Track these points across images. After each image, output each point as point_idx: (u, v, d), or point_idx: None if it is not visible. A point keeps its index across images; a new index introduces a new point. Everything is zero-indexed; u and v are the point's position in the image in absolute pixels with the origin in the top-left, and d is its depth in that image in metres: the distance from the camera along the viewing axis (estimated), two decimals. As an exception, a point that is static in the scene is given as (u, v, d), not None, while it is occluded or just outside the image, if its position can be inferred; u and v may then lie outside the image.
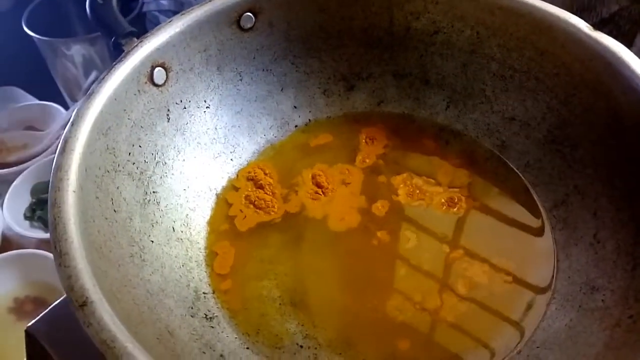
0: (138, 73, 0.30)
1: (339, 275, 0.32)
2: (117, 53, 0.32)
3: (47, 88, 0.68)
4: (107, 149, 0.29)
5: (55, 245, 0.23)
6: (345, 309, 0.30)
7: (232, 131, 0.37)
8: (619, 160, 0.30)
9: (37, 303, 0.51)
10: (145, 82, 0.31)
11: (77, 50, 0.61)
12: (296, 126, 0.39)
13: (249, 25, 0.35)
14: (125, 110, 0.30)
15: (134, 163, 0.30)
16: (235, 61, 0.36)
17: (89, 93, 0.28)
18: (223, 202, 0.35)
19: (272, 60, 0.37)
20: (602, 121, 0.30)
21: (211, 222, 0.34)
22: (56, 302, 0.33)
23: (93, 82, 0.63)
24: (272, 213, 0.34)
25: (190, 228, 0.33)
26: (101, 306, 0.21)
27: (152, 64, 0.31)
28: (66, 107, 0.67)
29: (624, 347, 0.23)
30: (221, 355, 0.27)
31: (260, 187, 0.35)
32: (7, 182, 0.58)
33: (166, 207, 0.32)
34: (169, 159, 0.33)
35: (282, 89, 0.38)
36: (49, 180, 0.25)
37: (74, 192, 0.25)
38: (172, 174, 0.33)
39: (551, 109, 0.33)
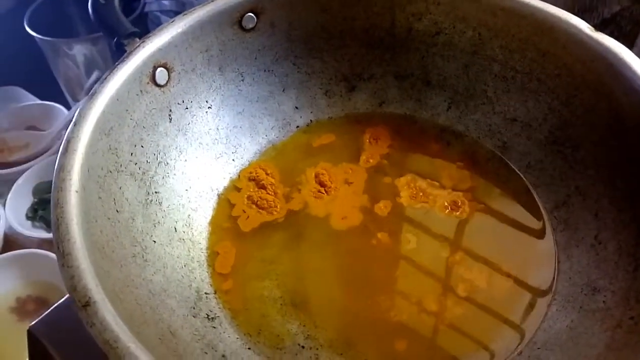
0: (140, 73, 0.31)
1: (340, 274, 0.32)
2: (119, 53, 0.32)
3: (49, 88, 0.68)
4: (110, 149, 0.29)
5: (58, 245, 0.23)
6: (346, 309, 0.30)
7: (233, 131, 0.37)
8: (621, 161, 0.30)
9: (39, 303, 0.51)
10: (148, 83, 0.31)
11: (79, 50, 0.61)
12: (298, 127, 0.39)
13: (250, 26, 0.35)
14: (127, 110, 0.30)
15: (136, 163, 0.30)
16: (236, 61, 0.36)
17: (91, 93, 0.29)
18: (225, 202, 0.35)
19: (273, 61, 0.37)
20: (603, 122, 0.30)
21: (213, 223, 0.34)
22: (58, 302, 0.33)
23: (95, 82, 0.63)
24: (275, 213, 0.34)
25: (192, 228, 0.33)
26: (104, 306, 0.21)
27: (155, 64, 0.31)
28: (68, 107, 0.67)
29: (625, 348, 0.23)
30: (223, 356, 0.27)
31: (263, 187, 0.35)
32: (9, 181, 0.58)
33: (168, 207, 0.32)
34: (171, 159, 0.33)
35: (283, 90, 0.38)
36: (51, 180, 0.25)
37: (77, 192, 0.25)
38: (174, 174, 0.33)
39: (553, 110, 0.33)
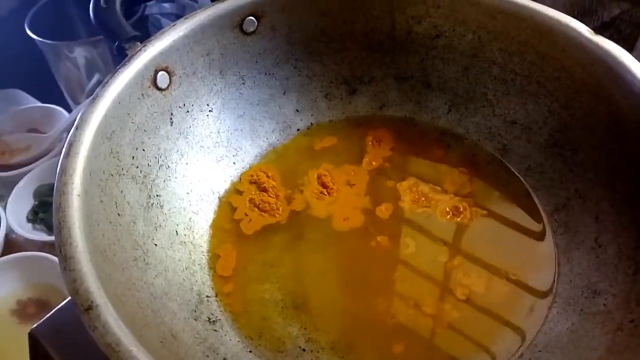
0: (142, 77, 0.31)
1: (341, 276, 0.32)
2: (120, 57, 0.32)
3: (50, 90, 0.68)
4: (111, 152, 0.29)
5: (60, 248, 0.23)
6: (347, 312, 0.30)
7: (234, 135, 0.37)
8: (620, 164, 0.30)
9: (40, 305, 0.51)
10: (149, 86, 0.31)
11: (79, 53, 0.61)
12: (298, 130, 0.39)
13: (251, 29, 0.35)
14: (129, 114, 0.30)
15: (137, 167, 0.31)
16: (237, 65, 0.36)
17: (92, 97, 0.29)
18: (226, 205, 0.35)
19: (274, 64, 0.37)
20: (603, 125, 0.30)
21: (214, 226, 0.34)
22: (60, 305, 0.33)
23: (95, 84, 0.63)
24: (277, 215, 0.34)
25: (193, 231, 0.33)
26: (106, 310, 0.21)
27: (156, 68, 0.31)
28: (69, 110, 0.67)
29: (626, 351, 0.23)
30: (224, 359, 0.27)
31: (264, 190, 0.35)
32: (10, 184, 0.59)
33: (169, 210, 0.32)
34: (172, 163, 0.33)
35: (284, 93, 0.38)
36: (52, 183, 0.25)
37: (79, 196, 0.25)
38: (176, 178, 0.33)
39: (552, 113, 0.33)
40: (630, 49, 0.29)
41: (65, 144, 0.27)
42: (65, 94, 0.68)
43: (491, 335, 0.29)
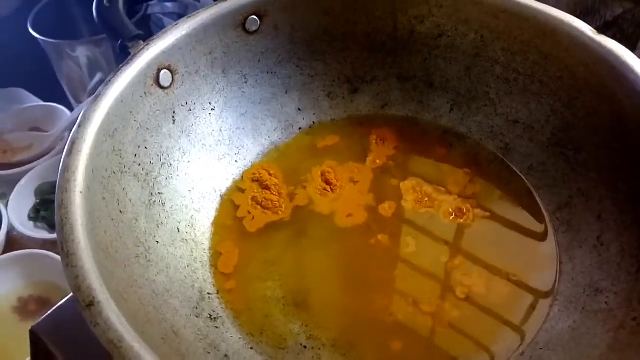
0: (144, 75, 0.31)
1: (342, 274, 0.32)
2: (123, 56, 0.32)
3: (52, 89, 0.68)
4: (114, 150, 0.29)
5: (63, 245, 0.23)
6: (348, 309, 0.30)
7: (236, 133, 0.37)
8: (623, 163, 0.30)
9: (41, 303, 0.51)
10: (152, 85, 0.31)
11: (82, 52, 0.61)
12: (300, 128, 0.39)
13: (254, 29, 0.35)
14: (131, 112, 0.30)
15: (139, 164, 0.31)
16: (240, 64, 0.36)
17: (95, 95, 0.29)
18: (228, 203, 0.35)
19: (276, 63, 0.37)
20: (605, 124, 0.30)
21: (216, 223, 0.34)
22: (61, 302, 0.33)
23: (97, 83, 0.63)
24: (280, 213, 0.34)
25: (195, 229, 0.33)
26: (108, 306, 0.21)
27: (159, 66, 0.31)
28: (71, 109, 0.67)
29: (628, 349, 0.23)
30: (225, 356, 0.27)
31: (266, 187, 0.35)
32: (11, 182, 0.59)
33: (171, 208, 0.32)
34: (174, 161, 0.33)
35: (286, 92, 0.38)
36: (54, 181, 0.26)
37: (81, 193, 0.25)
38: (178, 176, 0.33)
39: (555, 112, 0.33)
40: (632, 48, 0.29)
41: (68, 142, 0.27)
42: (68, 93, 0.68)
43: (491, 335, 0.29)
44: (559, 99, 0.33)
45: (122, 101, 0.29)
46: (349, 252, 0.33)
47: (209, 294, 0.30)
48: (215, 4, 0.34)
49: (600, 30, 0.30)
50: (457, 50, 0.36)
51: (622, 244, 0.28)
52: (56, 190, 0.25)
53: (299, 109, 0.39)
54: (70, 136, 0.27)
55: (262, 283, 0.31)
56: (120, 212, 0.28)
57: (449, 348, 0.29)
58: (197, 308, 0.29)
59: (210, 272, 0.32)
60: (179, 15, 0.60)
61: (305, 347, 0.29)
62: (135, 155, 0.30)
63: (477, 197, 0.34)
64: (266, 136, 0.38)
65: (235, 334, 0.29)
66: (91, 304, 0.21)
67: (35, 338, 0.31)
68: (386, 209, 0.34)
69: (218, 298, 0.31)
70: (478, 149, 0.37)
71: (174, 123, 0.33)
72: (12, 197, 0.57)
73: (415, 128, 0.38)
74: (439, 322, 0.29)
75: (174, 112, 0.33)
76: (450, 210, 0.34)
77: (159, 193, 0.32)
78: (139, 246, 0.28)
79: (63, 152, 0.27)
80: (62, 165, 0.26)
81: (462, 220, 0.33)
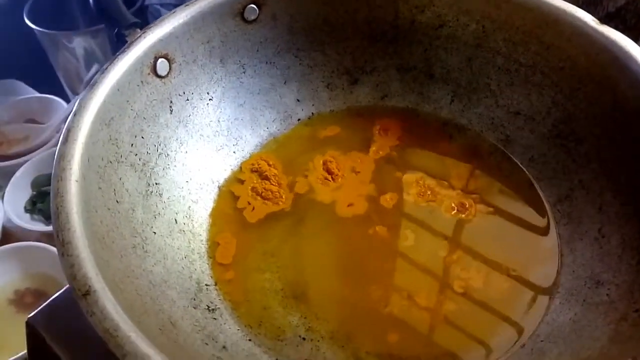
0: (141, 64, 0.30)
1: (341, 265, 0.32)
2: (120, 44, 0.32)
3: (48, 81, 0.68)
4: (110, 139, 0.28)
5: (58, 234, 0.23)
6: (346, 301, 0.30)
7: (234, 124, 0.36)
8: (624, 155, 0.29)
9: (37, 295, 0.51)
10: (149, 73, 0.31)
11: (78, 43, 0.61)
12: (299, 119, 0.38)
13: (252, 17, 0.35)
14: (128, 101, 0.30)
15: (136, 154, 0.30)
16: (238, 53, 0.36)
17: (92, 83, 0.28)
18: (226, 194, 0.35)
19: (275, 53, 0.37)
20: (607, 116, 0.30)
21: (214, 215, 0.34)
22: (56, 294, 0.33)
23: (94, 75, 0.62)
24: (281, 203, 0.34)
25: (192, 220, 0.32)
26: (104, 295, 0.21)
27: (155, 55, 0.31)
28: (67, 100, 0.66)
29: (630, 341, 0.23)
30: (224, 347, 0.27)
31: (266, 178, 0.35)
32: (7, 174, 0.58)
33: (168, 198, 0.32)
34: (172, 151, 0.33)
35: (285, 82, 0.38)
36: (50, 173, 0.25)
37: (77, 181, 0.25)
38: (175, 166, 0.33)
39: (556, 104, 0.33)
40: (635, 39, 0.29)
41: (64, 130, 0.26)
42: (64, 85, 0.68)
43: (489, 328, 0.29)
44: (560, 90, 0.33)
45: (118, 90, 0.29)
46: (349, 242, 0.33)
47: (206, 285, 0.30)
48: (213, -8, 0.33)
49: (603, 21, 0.30)
50: (458, 40, 0.36)
51: (623, 236, 0.28)
52: (52, 179, 0.25)
53: (298, 100, 0.38)
54: (66, 124, 0.27)
55: (261, 274, 0.31)
56: (117, 202, 0.28)
57: (445, 341, 0.29)
58: (194, 299, 0.29)
59: (207, 264, 0.31)
60: (176, 5, 0.60)
61: (303, 338, 0.29)
62: (132, 144, 0.30)
63: (480, 192, 0.34)
64: (265, 127, 0.37)
65: (233, 325, 0.29)
66: (87, 293, 0.21)
67: (31, 329, 0.31)
68: (387, 200, 0.34)
69: (216, 290, 0.30)
70: (478, 140, 0.36)
71: (171, 113, 0.33)
72: (8, 189, 0.57)
73: (415, 120, 0.38)
74: (435, 315, 0.29)
75: (171, 102, 0.33)
76: (453, 205, 0.34)
77: (156, 183, 0.31)
78: (135, 237, 0.28)
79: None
80: (58, 153, 0.26)
81: (463, 216, 0.33)
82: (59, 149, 0.26)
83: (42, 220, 0.56)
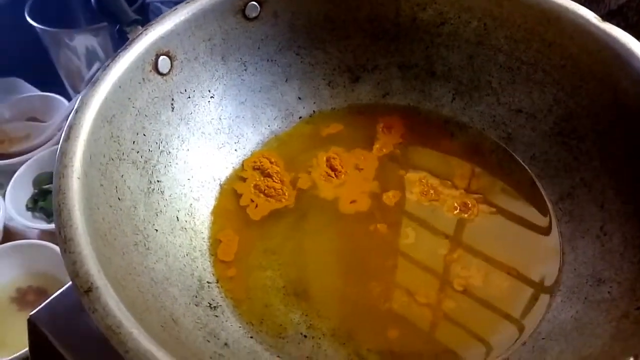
0: (143, 61, 0.30)
1: (342, 263, 0.32)
2: (121, 41, 0.32)
3: (50, 79, 0.68)
4: (112, 137, 0.28)
5: (60, 231, 0.23)
6: (347, 298, 0.30)
7: (236, 121, 0.36)
8: (626, 152, 0.29)
9: (39, 293, 0.51)
10: (150, 71, 0.31)
11: (80, 41, 0.61)
12: (300, 117, 0.38)
13: (254, 15, 0.35)
14: (129, 98, 0.30)
15: (138, 152, 0.30)
16: (239, 51, 0.36)
17: (93, 80, 0.28)
18: (228, 192, 0.35)
19: (276, 51, 0.37)
20: (609, 113, 0.30)
21: (215, 212, 0.34)
22: (58, 292, 0.33)
23: (96, 73, 0.62)
24: (284, 200, 0.34)
25: (194, 218, 0.32)
26: (106, 292, 0.21)
27: (157, 52, 0.31)
28: (69, 99, 0.66)
29: (632, 338, 0.23)
30: (225, 344, 0.27)
31: (268, 175, 0.35)
32: (9, 172, 0.58)
33: (170, 196, 0.32)
34: (173, 149, 0.33)
35: (286, 80, 0.38)
36: (51, 171, 0.25)
37: (79, 179, 0.25)
38: (176, 164, 0.33)
39: (558, 101, 0.33)
40: (637, 36, 0.29)
41: (66, 128, 0.27)
42: (65, 83, 0.68)
43: (489, 326, 0.29)
44: (562, 88, 0.33)
45: (120, 87, 0.29)
46: (351, 239, 0.33)
47: (208, 282, 0.30)
48: (215, -10, 0.33)
49: (605, 18, 0.30)
50: (460, 38, 0.36)
51: (625, 234, 0.28)
52: (53, 176, 0.25)
53: (299, 98, 0.38)
54: (68, 121, 0.27)
55: (263, 272, 0.31)
56: (119, 199, 0.28)
57: (446, 338, 0.29)
58: (196, 297, 0.29)
59: (209, 261, 0.31)
60: (177, 3, 0.59)
61: (305, 336, 0.29)
62: (134, 142, 0.30)
63: (482, 192, 0.34)
64: (266, 125, 0.37)
65: (235, 322, 0.29)
66: (89, 289, 0.21)
67: (33, 327, 0.31)
68: (390, 197, 0.34)
69: (218, 287, 0.30)
70: (480, 138, 0.36)
71: (172, 110, 0.33)
72: (9, 187, 0.57)
73: (416, 118, 0.38)
74: (435, 313, 0.29)
75: (173, 99, 0.33)
76: (456, 205, 0.34)
77: (158, 181, 0.31)
78: (137, 234, 0.28)
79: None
80: (60, 150, 0.26)
81: (466, 215, 0.33)
82: (61, 146, 0.26)
83: (43, 218, 0.56)
